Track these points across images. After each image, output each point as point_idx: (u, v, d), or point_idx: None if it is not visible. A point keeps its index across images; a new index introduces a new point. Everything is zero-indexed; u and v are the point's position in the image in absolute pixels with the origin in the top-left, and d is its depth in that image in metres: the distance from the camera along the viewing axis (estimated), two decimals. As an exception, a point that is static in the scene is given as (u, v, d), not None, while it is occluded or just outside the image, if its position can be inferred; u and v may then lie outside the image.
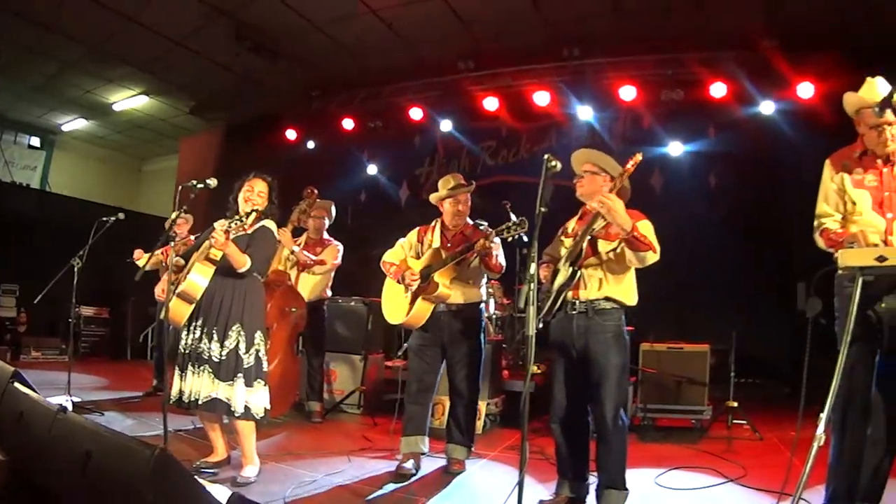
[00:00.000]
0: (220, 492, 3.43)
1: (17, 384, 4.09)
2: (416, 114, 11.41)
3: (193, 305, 4.79)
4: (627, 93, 9.93)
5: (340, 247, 7.67)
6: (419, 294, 5.45)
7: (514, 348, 8.91)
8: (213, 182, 4.98)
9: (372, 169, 12.92)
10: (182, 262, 5.04)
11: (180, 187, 5.06)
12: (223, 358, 4.72)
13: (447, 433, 5.69)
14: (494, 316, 8.74)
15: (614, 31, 9.33)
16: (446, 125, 11.68)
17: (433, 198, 5.85)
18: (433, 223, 5.84)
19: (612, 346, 4.28)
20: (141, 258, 7.38)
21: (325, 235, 7.77)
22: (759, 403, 7.96)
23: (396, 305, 5.68)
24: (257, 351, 4.89)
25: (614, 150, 9.34)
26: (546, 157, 3.67)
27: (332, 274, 7.72)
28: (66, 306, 7.44)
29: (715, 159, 10.12)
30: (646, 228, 4.21)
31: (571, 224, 4.71)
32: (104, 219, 7.21)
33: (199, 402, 4.71)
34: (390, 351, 8.80)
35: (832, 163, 4.07)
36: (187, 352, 4.83)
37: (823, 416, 3.33)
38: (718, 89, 9.48)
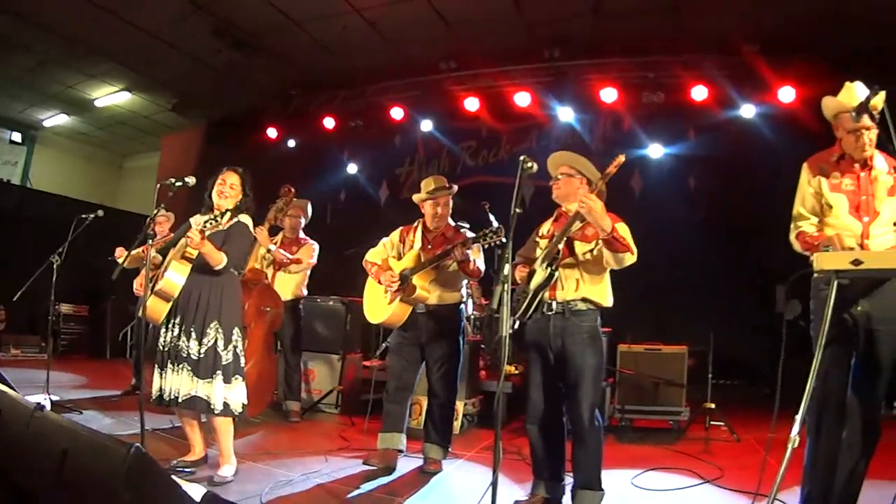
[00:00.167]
0: (197, 491, 3.41)
1: (-6, 382, 4.05)
2: (396, 113, 11.38)
3: (171, 303, 4.77)
4: (608, 95, 9.93)
5: (316, 246, 7.66)
6: (398, 295, 5.47)
7: (492, 349, 8.91)
8: (191, 180, 4.96)
9: (352, 168, 12.90)
10: (160, 257, 5.03)
11: (158, 185, 5.03)
12: (202, 356, 4.70)
13: (424, 433, 5.71)
14: (473, 316, 8.73)
15: (596, 34, 9.33)
16: (427, 125, 11.67)
17: (415, 198, 5.86)
18: (416, 224, 5.85)
19: (588, 346, 4.29)
20: (122, 256, 7.34)
21: (301, 234, 7.74)
22: (737, 405, 8.02)
23: (377, 305, 5.71)
24: (235, 347, 4.87)
25: (594, 152, 9.39)
26: (522, 158, 3.68)
27: (308, 273, 7.71)
28: (46, 304, 7.39)
29: (695, 162, 10.16)
30: (623, 230, 4.22)
31: (546, 226, 4.71)
32: (83, 216, 7.16)
33: (179, 400, 4.69)
34: (368, 351, 8.78)
35: (809, 166, 4.08)
36: (166, 350, 4.81)
37: (798, 418, 3.34)
38: (699, 92, 9.51)
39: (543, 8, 8.83)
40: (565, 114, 10.65)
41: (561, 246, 4.32)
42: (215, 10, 9.26)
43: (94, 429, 3.51)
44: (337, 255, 8.56)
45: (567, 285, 4.36)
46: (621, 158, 4.13)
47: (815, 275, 3.71)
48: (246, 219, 5.02)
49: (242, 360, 4.98)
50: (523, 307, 4.41)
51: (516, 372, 7.60)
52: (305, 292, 7.79)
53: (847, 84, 3.89)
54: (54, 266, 6.96)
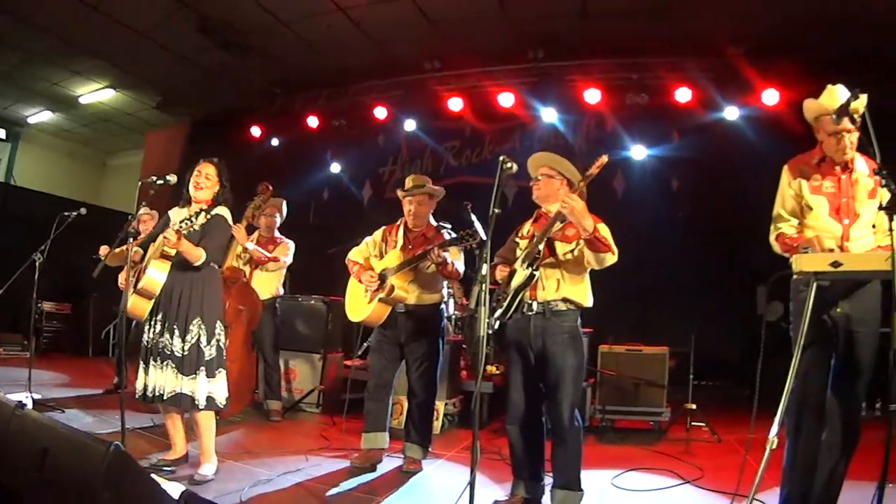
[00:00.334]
0: (176, 489, 3.39)
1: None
2: (380, 113, 11.35)
3: (153, 301, 4.77)
4: (592, 96, 9.94)
5: (292, 244, 7.65)
6: (377, 294, 5.49)
7: (473, 349, 8.90)
8: (172, 178, 5.00)
9: (335, 167, 12.81)
10: (141, 251, 5.02)
11: (140, 183, 5.02)
12: (185, 353, 4.72)
13: (405, 432, 5.72)
14: (454, 316, 8.72)
15: (580, 35, 9.32)
16: (410, 125, 11.62)
17: (400, 194, 5.90)
18: (398, 223, 5.87)
19: (568, 347, 4.30)
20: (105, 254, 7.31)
21: (277, 233, 7.71)
22: (718, 406, 8.03)
23: (357, 304, 5.74)
24: (218, 341, 4.89)
25: (577, 153, 9.41)
26: (501, 158, 3.69)
27: (284, 272, 7.69)
28: (28, 301, 7.34)
29: (678, 163, 10.16)
30: (604, 230, 4.22)
31: (526, 227, 4.72)
32: (66, 213, 7.11)
33: (164, 398, 4.71)
34: (350, 350, 8.76)
35: (790, 168, 4.10)
36: (150, 346, 4.82)
37: (776, 419, 3.36)
38: (683, 94, 9.53)
39: (528, 8, 8.83)
40: (549, 114, 10.63)
41: (541, 246, 4.32)
42: (201, 8, 9.21)
43: (75, 427, 3.50)
44: (320, 254, 8.53)
45: (547, 286, 4.37)
46: (604, 159, 4.13)
47: (795, 276, 3.73)
48: (223, 211, 4.99)
49: (224, 353, 4.98)
50: (504, 307, 4.41)
51: (497, 372, 7.60)
52: (282, 291, 7.79)
53: (829, 87, 3.91)
54: (37, 264, 6.92)
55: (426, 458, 5.69)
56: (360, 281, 5.69)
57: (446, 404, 7.13)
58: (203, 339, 4.78)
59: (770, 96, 9.06)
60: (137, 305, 4.76)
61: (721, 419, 7.13)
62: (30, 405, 6.33)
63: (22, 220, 11.34)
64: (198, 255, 4.72)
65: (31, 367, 7.00)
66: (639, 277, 8.92)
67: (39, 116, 14.58)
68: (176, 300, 4.78)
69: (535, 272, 4.30)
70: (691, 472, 5.50)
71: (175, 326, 4.74)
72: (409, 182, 5.81)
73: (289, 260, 7.58)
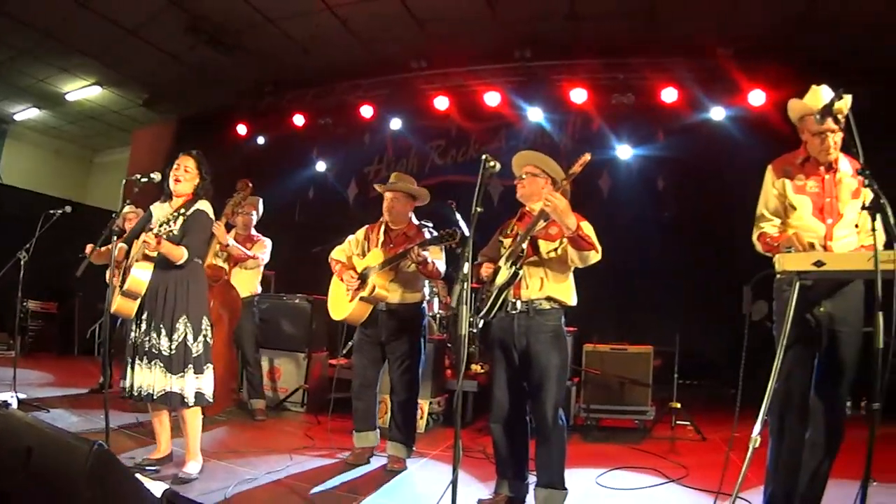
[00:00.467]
0: (160, 488, 3.40)
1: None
2: (366, 111, 11.36)
3: (139, 300, 4.77)
4: (578, 95, 9.97)
5: (268, 242, 7.59)
6: (358, 293, 5.51)
7: (458, 348, 8.89)
8: (156, 176, 4.99)
9: (321, 166, 12.80)
10: (125, 247, 5.00)
11: (124, 181, 5.01)
12: (173, 352, 4.71)
13: (389, 431, 5.71)
14: (439, 315, 8.71)
15: (567, 35, 9.35)
16: (396, 123, 11.64)
17: (379, 188, 5.96)
18: (380, 221, 5.88)
19: (552, 346, 4.29)
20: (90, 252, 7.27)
21: (253, 231, 7.65)
22: (703, 404, 8.06)
23: (340, 302, 5.75)
24: (205, 337, 4.89)
25: (563, 153, 9.41)
26: (484, 157, 3.69)
27: (262, 270, 7.66)
28: (13, 300, 7.33)
29: (664, 163, 10.19)
30: (587, 229, 4.23)
31: (510, 225, 4.71)
32: (51, 211, 7.07)
33: (154, 397, 4.71)
34: (334, 349, 8.75)
35: (774, 168, 4.11)
36: (136, 345, 4.82)
37: (759, 418, 3.37)
38: (669, 94, 9.56)
39: (516, 8, 8.84)
40: (535, 114, 10.66)
41: (525, 245, 4.32)
42: (189, 6, 9.20)
43: (60, 427, 3.49)
44: (305, 252, 8.51)
45: (531, 284, 4.36)
46: (587, 157, 4.12)
47: (778, 276, 3.74)
48: (204, 205, 4.98)
49: (211, 348, 4.98)
50: (488, 306, 4.41)
51: (482, 371, 7.61)
52: (259, 289, 7.75)
53: (813, 87, 3.91)
54: (22, 262, 6.88)
55: (410, 456, 5.68)
56: (341, 280, 5.71)
57: (431, 403, 7.11)
58: (190, 337, 4.77)
59: (756, 97, 9.10)
60: (124, 306, 4.77)
61: (706, 418, 7.16)
62: (15, 405, 6.31)
63: (7, 218, 11.27)
64: (179, 255, 4.71)
65: (15, 366, 6.93)
66: (624, 276, 8.95)
67: (26, 113, 14.51)
68: (161, 299, 4.77)
69: (518, 271, 4.30)
70: (676, 470, 5.52)
71: (161, 326, 4.73)
72: (392, 178, 5.86)
73: (266, 258, 7.53)
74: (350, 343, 6.54)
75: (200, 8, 9.24)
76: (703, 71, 9.39)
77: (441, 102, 10.78)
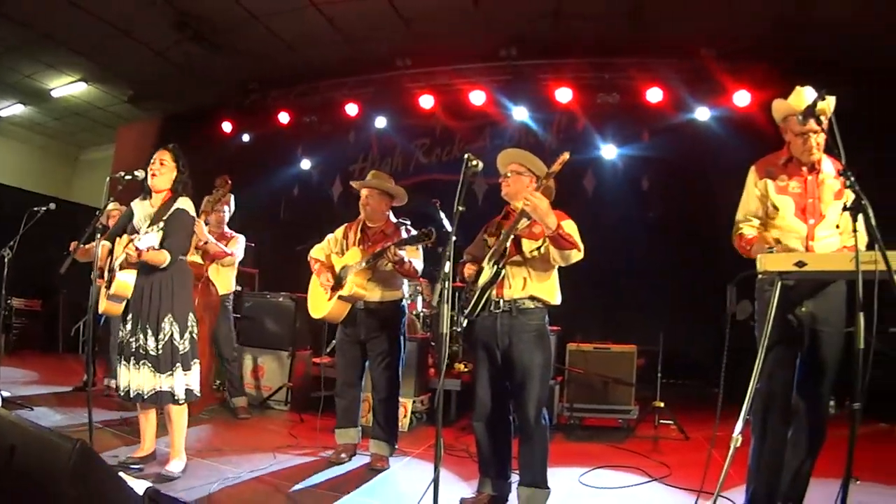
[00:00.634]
0: (142, 486, 3.39)
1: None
2: (351, 109, 11.32)
3: (125, 302, 4.81)
4: (563, 95, 9.96)
5: (242, 238, 7.50)
6: (336, 292, 5.53)
7: (440, 346, 8.88)
8: (140, 174, 4.98)
9: (306, 164, 12.77)
10: (109, 245, 5.00)
11: (108, 178, 5.00)
12: (160, 352, 4.75)
13: (371, 430, 5.72)
14: (422, 314, 8.71)
15: (553, 34, 9.34)
16: (381, 122, 11.61)
17: (354, 185, 6.00)
18: (358, 219, 5.89)
19: (535, 345, 4.28)
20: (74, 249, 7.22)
21: (226, 228, 7.55)
22: (687, 404, 8.06)
23: (319, 300, 5.78)
24: (191, 333, 4.93)
25: (548, 152, 9.41)
26: (467, 156, 3.68)
27: (237, 266, 7.60)
28: (-3, 298, 7.24)
29: (648, 163, 10.22)
30: (570, 227, 4.22)
31: (495, 224, 4.69)
32: (35, 209, 7.03)
33: (145, 397, 4.75)
34: (318, 347, 8.72)
35: (757, 169, 4.14)
36: (123, 345, 4.85)
37: (740, 418, 3.38)
38: (654, 94, 9.58)
39: (501, 7, 8.83)
40: (520, 113, 10.65)
41: (508, 244, 4.31)
42: (175, 3, 9.13)
43: (44, 425, 3.47)
44: (290, 250, 8.49)
45: (514, 283, 4.35)
46: (566, 156, 4.10)
47: (760, 276, 3.76)
48: (185, 203, 4.98)
49: (197, 344, 5.01)
50: (471, 305, 4.40)
51: (466, 370, 7.61)
52: (236, 287, 7.71)
53: (797, 88, 3.93)
54: (5, 260, 6.82)
55: (393, 455, 5.68)
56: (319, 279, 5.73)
57: (414, 402, 7.10)
58: (176, 335, 4.80)
59: (741, 97, 9.11)
60: (111, 307, 4.83)
61: (690, 417, 7.16)
62: (-1, 402, 6.29)
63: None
64: (162, 259, 4.74)
65: (-1, 364, 6.91)
66: (608, 275, 8.97)
67: (11, 109, 14.38)
68: (147, 299, 4.79)
69: (501, 270, 4.29)
70: (659, 469, 5.53)
71: (147, 326, 4.76)
72: (368, 176, 5.91)
73: (241, 254, 7.47)
74: (333, 341, 6.54)
75: (186, 4, 9.18)
76: (688, 71, 9.41)
77: (426, 101, 10.76)
